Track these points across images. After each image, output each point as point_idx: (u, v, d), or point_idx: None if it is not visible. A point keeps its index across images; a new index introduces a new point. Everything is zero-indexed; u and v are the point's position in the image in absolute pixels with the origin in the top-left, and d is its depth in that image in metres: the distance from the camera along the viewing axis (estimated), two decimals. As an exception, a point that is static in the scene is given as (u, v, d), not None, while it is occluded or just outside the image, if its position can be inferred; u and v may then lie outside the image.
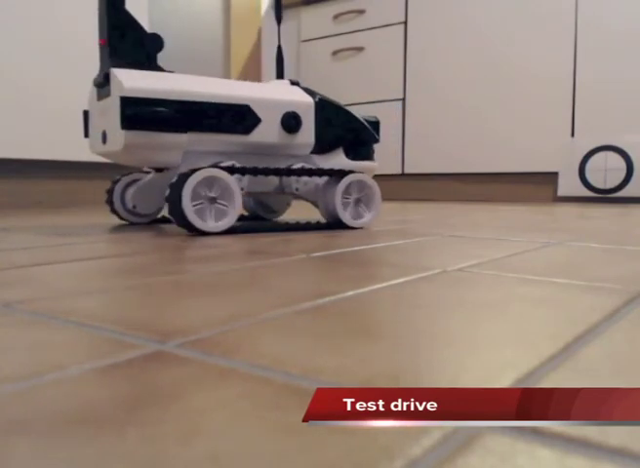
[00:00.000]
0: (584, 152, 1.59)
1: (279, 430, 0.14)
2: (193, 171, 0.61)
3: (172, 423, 0.14)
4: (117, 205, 0.78)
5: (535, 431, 0.14)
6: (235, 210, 0.64)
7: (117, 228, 0.73)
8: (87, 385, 0.17)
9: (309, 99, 0.75)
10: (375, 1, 1.91)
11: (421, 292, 0.31)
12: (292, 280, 0.35)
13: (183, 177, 0.61)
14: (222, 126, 0.67)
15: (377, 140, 0.80)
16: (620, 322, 0.25)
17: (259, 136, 0.70)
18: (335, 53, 2.02)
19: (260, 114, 0.70)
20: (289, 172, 0.69)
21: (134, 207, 0.75)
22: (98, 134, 0.69)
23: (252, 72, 2.25)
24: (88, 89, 1.35)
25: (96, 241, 0.58)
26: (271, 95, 0.72)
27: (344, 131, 0.77)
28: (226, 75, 2.15)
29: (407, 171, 1.88)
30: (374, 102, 1.93)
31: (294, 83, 0.78)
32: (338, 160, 0.78)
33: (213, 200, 0.63)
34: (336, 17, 2.00)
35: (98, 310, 0.27)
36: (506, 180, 1.75)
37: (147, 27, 1.48)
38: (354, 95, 1.98)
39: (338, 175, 0.71)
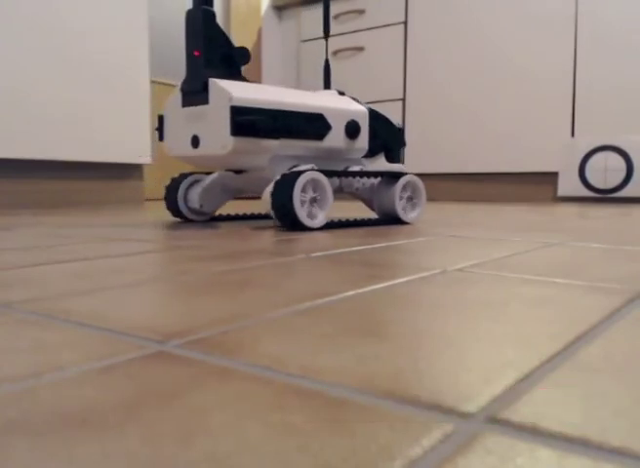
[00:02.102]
0: (584, 152, 1.59)
1: (279, 430, 0.14)
2: (300, 172, 0.69)
3: (172, 423, 0.14)
4: (181, 204, 0.82)
5: (535, 431, 0.14)
6: (328, 208, 0.72)
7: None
8: (87, 385, 0.17)
9: (364, 109, 0.84)
10: (375, 1, 1.91)
11: (422, 292, 0.31)
12: (292, 280, 0.35)
13: (292, 178, 0.68)
14: (304, 132, 0.75)
15: (405, 145, 0.90)
16: (620, 322, 0.25)
17: (329, 141, 0.79)
18: (335, 53, 2.02)
19: (331, 122, 0.79)
20: (368, 174, 0.78)
21: (201, 206, 0.81)
22: (184, 138, 0.74)
23: (252, 72, 2.25)
24: (87, 90, 1.35)
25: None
26: (337, 104, 0.81)
27: (388, 137, 0.87)
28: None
29: (407, 170, 1.88)
30: (374, 102, 1.93)
31: (340, 93, 0.86)
32: (380, 163, 0.88)
33: (313, 200, 0.71)
34: (336, 17, 2.00)
35: (98, 310, 0.27)
36: (506, 180, 1.75)
37: (147, 27, 1.48)
38: (354, 95, 1.98)
39: (394, 176, 0.80)
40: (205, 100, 0.70)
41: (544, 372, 0.18)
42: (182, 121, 0.74)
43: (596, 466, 0.12)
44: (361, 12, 1.94)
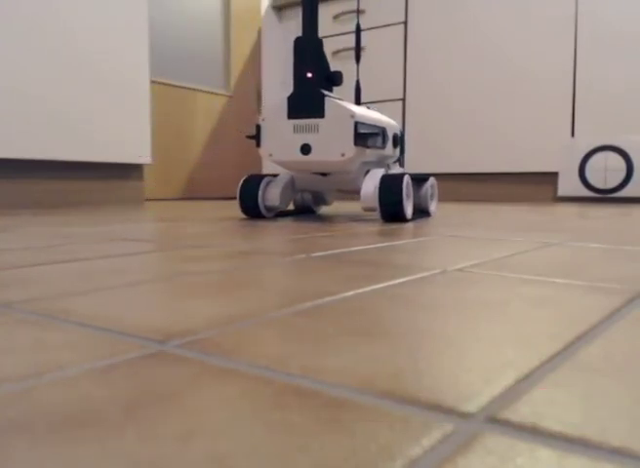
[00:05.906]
0: (584, 152, 1.59)
1: (279, 430, 0.14)
2: (403, 174, 0.83)
3: (171, 423, 0.14)
4: (260, 202, 0.91)
5: (534, 431, 0.14)
6: (412, 204, 0.88)
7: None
8: (87, 385, 0.17)
9: (397, 124, 1.01)
10: (375, 1, 1.91)
11: (422, 292, 0.31)
12: (292, 280, 0.35)
13: (399, 179, 0.83)
14: (379, 143, 0.89)
15: (404, 151, 1.06)
16: (620, 322, 0.25)
17: (386, 150, 0.95)
18: (335, 53, 2.02)
19: (388, 134, 0.94)
20: (418, 176, 0.95)
21: (279, 203, 0.91)
22: (292, 146, 0.86)
23: (252, 72, 2.25)
24: (87, 90, 1.36)
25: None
26: (387, 120, 0.97)
27: (403, 145, 1.05)
28: (226, 75, 2.14)
29: (406, 171, 1.87)
30: (374, 102, 1.93)
31: (368, 108, 0.98)
32: (397, 166, 1.07)
33: (407, 197, 0.86)
34: (336, 17, 2.00)
35: (98, 310, 0.27)
36: (506, 180, 1.75)
37: (147, 27, 1.48)
38: (354, 95, 1.98)
39: (425, 178, 0.98)
40: (320, 115, 0.84)
41: (544, 372, 0.18)
42: (289, 131, 0.85)
43: (596, 466, 0.12)
44: (361, 12, 1.94)
